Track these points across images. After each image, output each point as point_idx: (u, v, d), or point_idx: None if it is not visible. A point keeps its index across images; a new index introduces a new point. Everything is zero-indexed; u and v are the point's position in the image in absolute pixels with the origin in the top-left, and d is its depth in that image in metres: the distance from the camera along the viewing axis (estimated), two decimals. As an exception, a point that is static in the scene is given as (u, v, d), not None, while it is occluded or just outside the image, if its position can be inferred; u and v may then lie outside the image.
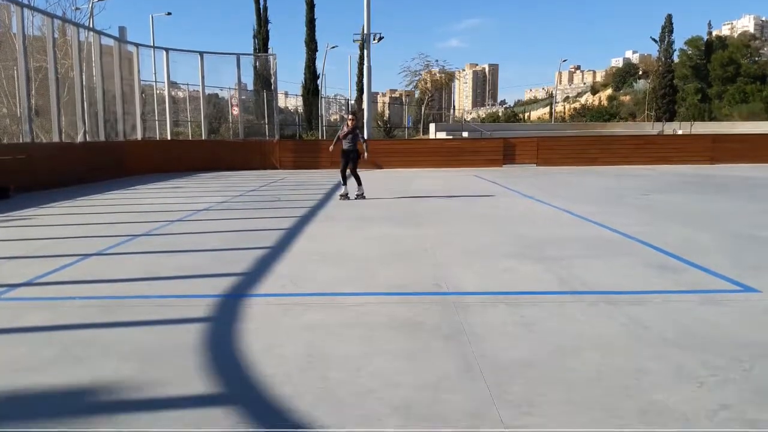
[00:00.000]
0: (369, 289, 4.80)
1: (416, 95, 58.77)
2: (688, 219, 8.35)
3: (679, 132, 39.47)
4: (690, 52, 71.45)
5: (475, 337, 3.61)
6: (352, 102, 46.83)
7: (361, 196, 11.12)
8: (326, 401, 2.78)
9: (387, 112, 61.58)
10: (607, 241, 6.77)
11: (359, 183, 11.18)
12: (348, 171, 11.14)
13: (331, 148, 11.39)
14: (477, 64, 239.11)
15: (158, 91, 22.44)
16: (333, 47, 45.37)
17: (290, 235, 7.33)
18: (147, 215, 9.39)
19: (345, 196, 11.03)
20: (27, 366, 3.25)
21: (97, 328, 3.90)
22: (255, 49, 37.93)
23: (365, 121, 25.51)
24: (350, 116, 11.28)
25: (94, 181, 15.23)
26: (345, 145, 11.01)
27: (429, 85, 55.32)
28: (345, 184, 11.13)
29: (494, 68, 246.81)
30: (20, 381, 3.05)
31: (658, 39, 67.23)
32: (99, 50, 17.22)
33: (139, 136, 19.83)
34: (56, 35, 16.10)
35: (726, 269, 5.24)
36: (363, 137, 11.14)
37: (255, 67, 28.71)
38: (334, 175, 17.54)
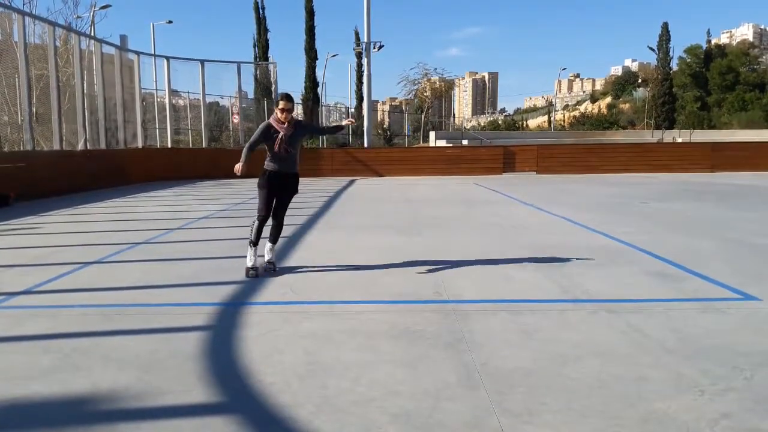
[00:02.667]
0: (369, 297, 4.80)
1: (416, 103, 58.91)
2: (689, 227, 8.34)
3: (679, 140, 39.55)
4: (689, 60, 71.69)
5: (475, 345, 3.60)
6: (352, 110, 46.92)
7: (271, 265, 5.75)
8: (326, 410, 2.78)
9: (387, 120, 61.72)
10: (608, 249, 6.76)
11: (276, 239, 5.89)
12: (271, 216, 5.80)
13: (239, 167, 5.43)
14: (477, 72, 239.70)
15: (159, 99, 22.54)
16: (333, 56, 45.63)
17: (290, 243, 7.33)
18: (147, 223, 9.39)
19: (254, 270, 5.52)
20: (26, 374, 3.24)
21: (96, 336, 3.89)
22: (255, 58, 38.04)
23: (365, 128, 25.55)
24: (282, 102, 5.52)
25: (94, 189, 15.24)
26: (275, 162, 5.55)
27: (428, 93, 55.47)
28: (257, 243, 5.72)
29: (494, 76, 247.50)
30: (19, 389, 3.04)
31: (656, 47, 67.44)
32: (100, 58, 17.29)
33: (139, 144, 19.87)
34: (58, 43, 16.19)
35: (726, 277, 5.23)
36: (325, 126, 5.80)
37: (255, 76, 28.79)
38: (334, 183, 17.59)
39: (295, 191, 5.82)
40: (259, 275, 5.48)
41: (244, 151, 5.60)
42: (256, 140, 5.60)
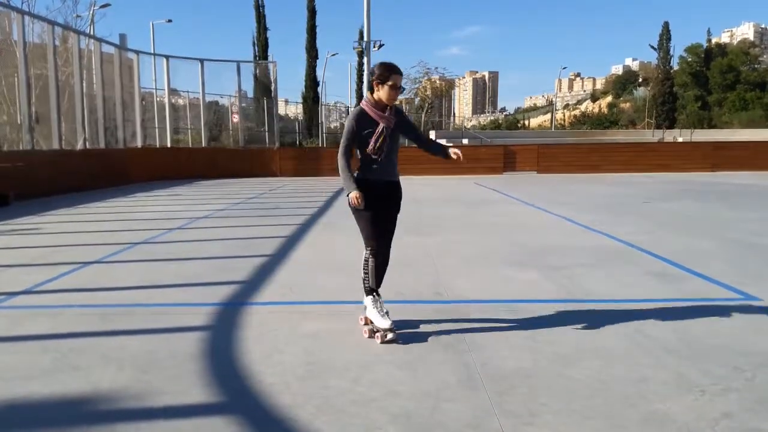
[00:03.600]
0: (369, 297, 4.78)
1: (416, 102, 58.89)
2: (689, 227, 8.34)
3: (680, 139, 39.45)
4: (690, 59, 71.67)
5: (475, 345, 3.59)
6: (352, 109, 46.82)
7: (390, 331, 3.65)
8: (326, 410, 2.77)
9: (387, 119, 61.52)
10: (608, 249, 6.75)
11: (378, 286, 3.89)
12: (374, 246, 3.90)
13: (356, 196, 3.66)
14: (477, 72, 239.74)
15: (158, 99, 22.48)
16: (333, 55, 45.59)
17: (290, 243, 7.32)
18: (147, 223, 9.38)
19: (393, 332, 3.65)
20: (25, 374, 3.23)
21: (95, 336, 3.88)
22: (255, 56, 38.03)
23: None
24: (394, 76, 3.70)
25: (93, 189, 15.22)
26: (371, 167, 3.85)
27: (429, 92, 55.44)
28: (379, 287, 3.91)
29: (494, 75, 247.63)
30: (18, 389, 3.03)
31: (656, 46, 67.43)
32: (99, 57, 17.28)
33: (139, 143, 19.85)
34: (57, 43, 16.15)
35: (727, 277, 5.22)
36: (422, 134, 4.43)
37: (255, 75, 28.76)
38: (334, 182, 17.55)
39: (399, 208, 4.10)
40: (397, 338, 3.65)
41: (341, 163, 3.71)
42: (352, 137, 3.73)
